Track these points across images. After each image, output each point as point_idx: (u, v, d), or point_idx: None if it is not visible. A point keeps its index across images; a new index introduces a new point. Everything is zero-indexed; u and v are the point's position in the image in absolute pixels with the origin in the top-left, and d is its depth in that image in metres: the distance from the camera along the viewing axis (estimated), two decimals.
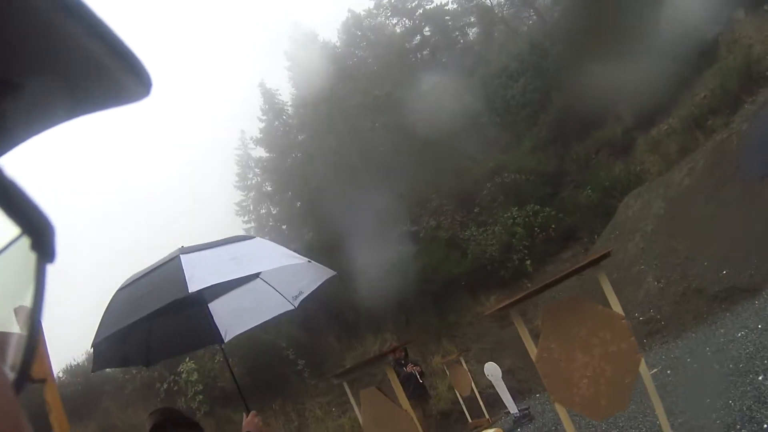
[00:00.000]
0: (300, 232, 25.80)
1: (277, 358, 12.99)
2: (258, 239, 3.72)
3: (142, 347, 4.51)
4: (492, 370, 9.86)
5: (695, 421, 5.66)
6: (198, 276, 3.19)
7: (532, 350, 3.77)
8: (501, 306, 3.98)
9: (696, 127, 14.24)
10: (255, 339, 12.64)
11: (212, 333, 4.55)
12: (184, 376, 12.40)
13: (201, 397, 12.15)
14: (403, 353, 10.02)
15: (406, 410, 3.44)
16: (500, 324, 13.14)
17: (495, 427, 9.32)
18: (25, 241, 0.31)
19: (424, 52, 35.44)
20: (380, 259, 13.95)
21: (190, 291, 3.01)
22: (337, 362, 13.10)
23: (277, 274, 4.31)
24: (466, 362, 10.85)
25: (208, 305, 4.45)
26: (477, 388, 10.54)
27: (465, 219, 15.70)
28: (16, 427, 0.29)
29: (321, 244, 15.97)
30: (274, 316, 4.49)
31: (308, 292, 4.28)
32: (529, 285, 13.63)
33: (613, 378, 3.54)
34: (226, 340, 4.63)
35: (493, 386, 10.59)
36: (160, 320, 4.41)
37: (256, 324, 4.62)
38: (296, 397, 12.93)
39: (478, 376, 11.12)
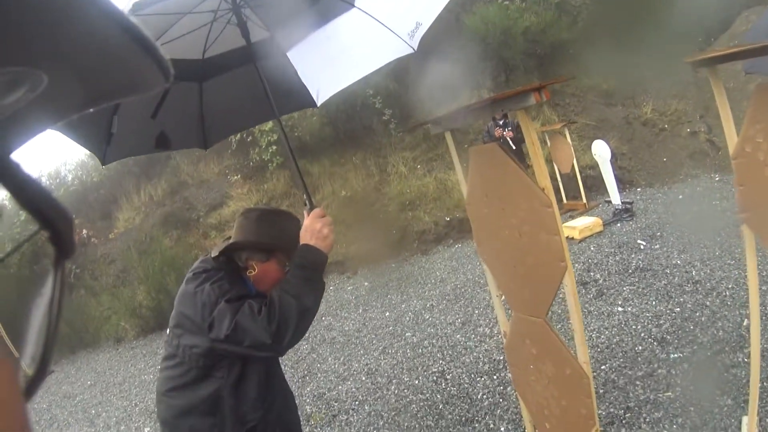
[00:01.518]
0: None
1: (362, 105, 11.91)
2: None
3: (190, 125, 3.39)
4: (601, 149, 8.61)
5: None
6: None
7: (731, 138, 2.48)
8: (703, 57, 2.66)
9: None
10: None
11: (298, 95, 3.25)
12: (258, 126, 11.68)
13: (275, 148, 11.55)
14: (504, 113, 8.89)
15: (543, 188, 2.37)
16: (606, 102, 11.59)
17: (594, 216, 8.41)
18: (44, 236, 0.30)
19: None
20: (483, 12, 12.13)
21: None
22: (426, 116, 12.05)
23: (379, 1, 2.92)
24: (569, 135, 9.58)
25: (288, 55, 3.18)
26: (577, 166, 9.43)
27: None
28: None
29: None
30: (386, 62, 3.15)
31: (429, 24, 2.90)
32: None
33: None
34: (319, 103, 3.32)
35: (594, 168, 9.49)
36: (216, 84, 3.26)
37: (361, 76, 3.15)
38: (379, 150, 12.22)
39: (579, 154, 9.95)
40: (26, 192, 0.30)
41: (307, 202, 2.52)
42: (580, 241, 7.74)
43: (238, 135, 11.83)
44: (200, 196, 12.37)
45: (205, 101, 3.33)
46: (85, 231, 12.35)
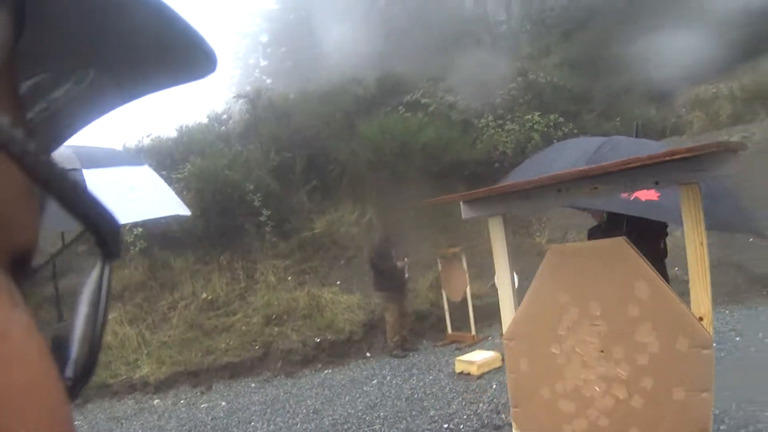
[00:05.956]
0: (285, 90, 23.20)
1: (239, 200, 10.79)
2: None
3: None
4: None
5: None
6: None
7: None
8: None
9: (756, 99, 12.79)
10: (218, 175, 10.54)
11: None
12: None
13: (141, 230, 10.06)
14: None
15: (701, 317, 1.51)
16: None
17: (487, 350, 7.66)
18: (89, 239, 0.30)
19: None
20: (381, 124, 11.95)
21: None
22: (305, 223, 11.25)
23: None
24: (465, 261, 8.96)
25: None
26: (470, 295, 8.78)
27: (482, 107, 13.69)
28: None
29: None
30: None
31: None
32: None
33: None
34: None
35: (482, 298, 9.00)
36: None
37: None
38: (249, 253, 10.91)
39: (472, 280, 9.27)
40: (71, 196, 0.27)
41: None
42: (479, 377, 6.94)
43: None
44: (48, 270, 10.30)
45: None
46: None
